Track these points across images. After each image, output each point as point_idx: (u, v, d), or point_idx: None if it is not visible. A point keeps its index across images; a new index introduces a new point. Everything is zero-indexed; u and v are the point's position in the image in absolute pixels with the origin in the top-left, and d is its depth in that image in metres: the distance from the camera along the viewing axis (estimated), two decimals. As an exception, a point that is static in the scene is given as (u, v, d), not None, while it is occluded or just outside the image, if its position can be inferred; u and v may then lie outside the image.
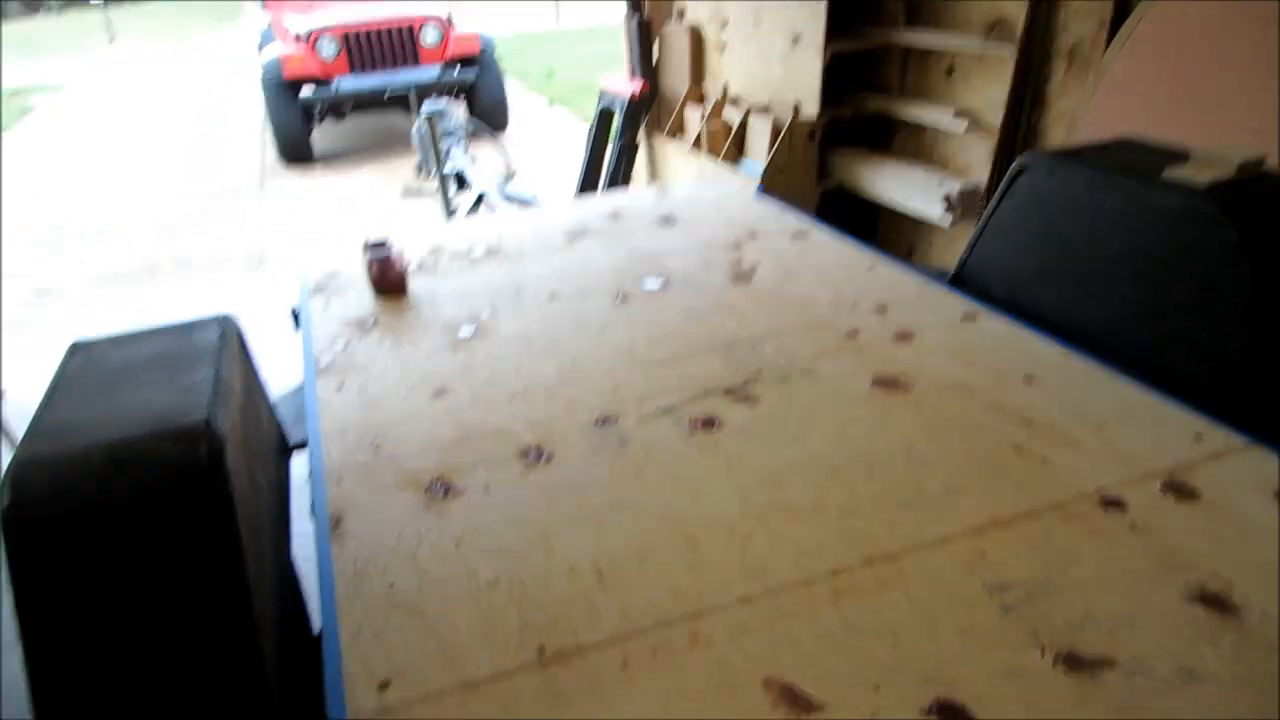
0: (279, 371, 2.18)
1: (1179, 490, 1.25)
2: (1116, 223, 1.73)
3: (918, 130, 3.64)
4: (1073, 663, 0.99)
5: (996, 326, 1.75)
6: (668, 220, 2.52)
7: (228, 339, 1.33)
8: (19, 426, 3.65)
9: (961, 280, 2.10)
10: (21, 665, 0.93)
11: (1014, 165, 1.98)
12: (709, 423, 1.49)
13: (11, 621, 0.93)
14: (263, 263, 5.55)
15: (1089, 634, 1.02)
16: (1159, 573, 1.11)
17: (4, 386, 3.62)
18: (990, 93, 3.21)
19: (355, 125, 9.33)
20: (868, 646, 1.03)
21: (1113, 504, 1.23)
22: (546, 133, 8.76)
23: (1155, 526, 1.18)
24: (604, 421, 1.52)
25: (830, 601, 1.10)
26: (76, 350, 1.30)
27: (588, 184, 5.13)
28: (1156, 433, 1.38)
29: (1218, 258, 1.53)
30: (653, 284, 2.08)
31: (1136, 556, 1.14)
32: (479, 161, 5.15)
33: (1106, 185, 1.76)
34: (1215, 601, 1.06)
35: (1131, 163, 1.79)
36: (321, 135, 8.57)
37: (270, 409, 1.62)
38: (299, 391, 1.92)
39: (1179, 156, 1.73)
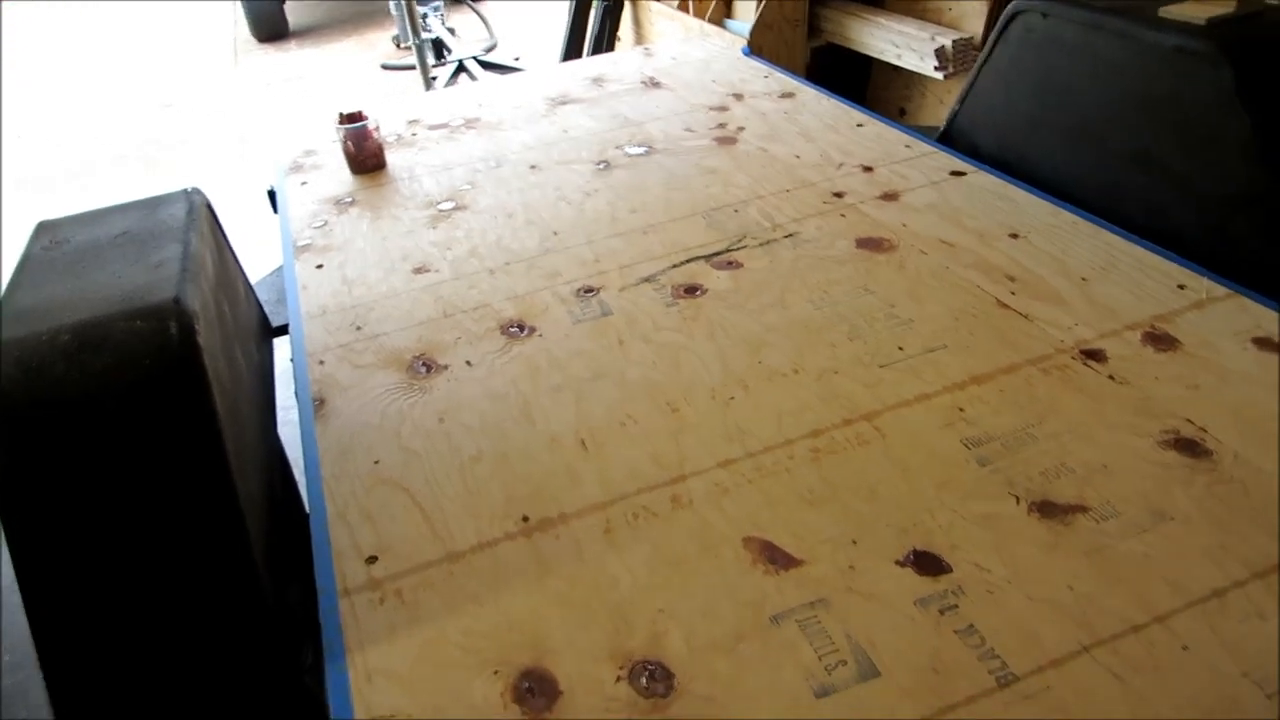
0: (262, 257, 2.16)
1: (1159, 340, 1.25)
2: (1110, 66, 1.67)
3: (910, -21, 3.49)
4: (1046, 509, 1.00)
5: (983, 183, 1.72)
6: (652, 83, 2.45)
7: (196, 213, 1.29)
8: None
9: (950, 136, 2.05)
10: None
11: (1007, 10, 1.90)
12: (691, 290, 1.48)
13: None
14: (237, 144, 5.43)
15: (1063, 482, 1.04)
16: (1135, 421, 1.11)
17: None
18: (987, -65, 3.06)
19: (330, -3, 8.97)
20: (846, 503, 1.04)
21: (1092, 356, 1.23)
22: (529, -2, 8.42)
23: (1134, 376, 1.18)
24: (586, 292, 1.50)
25: (810, 461, 1.11)
26: (42, 230, 1.27)
27: (572, 49, 4.96)
28: (1139, 284, 1.37)
29: (1215, 99, 1.48)
30: (635, 150, 2.03)
31: (1113, 406, 1.14)
32: (458, 31, 4.97)
33: (1100, 25, 1.69)
34: (1189, 446, 1.07)
35: (1130, 2, 1.72)
36: (294, 9, 8.25)
37: (249, 289, 1.60)
38: (279, 273, 1.90)
39: (1181, -8, 1.66)
